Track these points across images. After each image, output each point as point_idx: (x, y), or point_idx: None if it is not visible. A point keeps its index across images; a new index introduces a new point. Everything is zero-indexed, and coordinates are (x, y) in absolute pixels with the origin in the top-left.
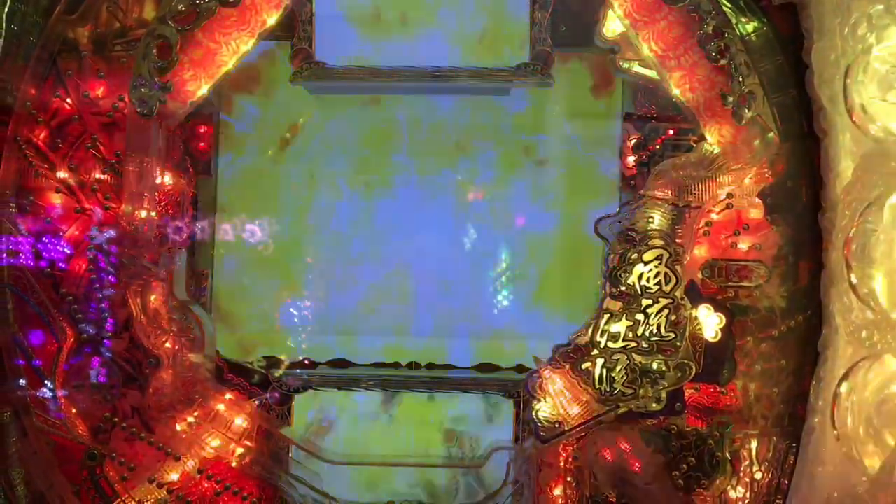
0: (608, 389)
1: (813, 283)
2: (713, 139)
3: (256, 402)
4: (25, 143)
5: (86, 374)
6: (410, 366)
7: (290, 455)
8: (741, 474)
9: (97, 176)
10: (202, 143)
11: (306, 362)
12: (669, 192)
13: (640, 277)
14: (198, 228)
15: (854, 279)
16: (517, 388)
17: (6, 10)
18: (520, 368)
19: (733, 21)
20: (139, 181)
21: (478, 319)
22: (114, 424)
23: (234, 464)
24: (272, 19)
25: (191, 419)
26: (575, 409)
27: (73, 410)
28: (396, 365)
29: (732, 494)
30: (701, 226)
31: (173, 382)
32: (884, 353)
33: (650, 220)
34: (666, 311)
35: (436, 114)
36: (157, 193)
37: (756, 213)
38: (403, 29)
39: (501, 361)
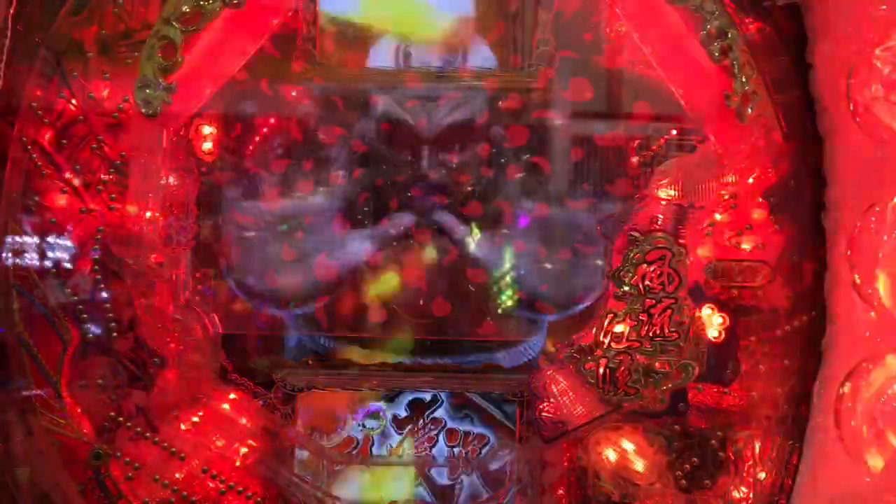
0: (611, 389)
1: (817, 284)
2: (716, 140)
3: (261, 402)
4: (31, 143)
5: (91, 374)
6: (414, 367)
7: (295, 454)
8: (745, 474)
9: (102, 176)
10: (207, 144)
11: (310, 362)
12: (673, 192)
13: (643, 278)
14: (202, 229)
15: (857, 279)
16: (521, 388)
17: (12, 11)
18: (523, 368)
19: (736, 21)
20: (144, 182)
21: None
22: (119, 424)
23: (238, 463)
24: (276, 20)
25: (195, 419)
26: (578, 409)
27: (78, 410)
28: (400, 366)
29: (736, 494)
30: (704, 226)
31: (178, 382)
32: (887, 354)
33: (654, 220)
34: (669, 311)
35: None
36: (161, 194)
37: (760, 213)
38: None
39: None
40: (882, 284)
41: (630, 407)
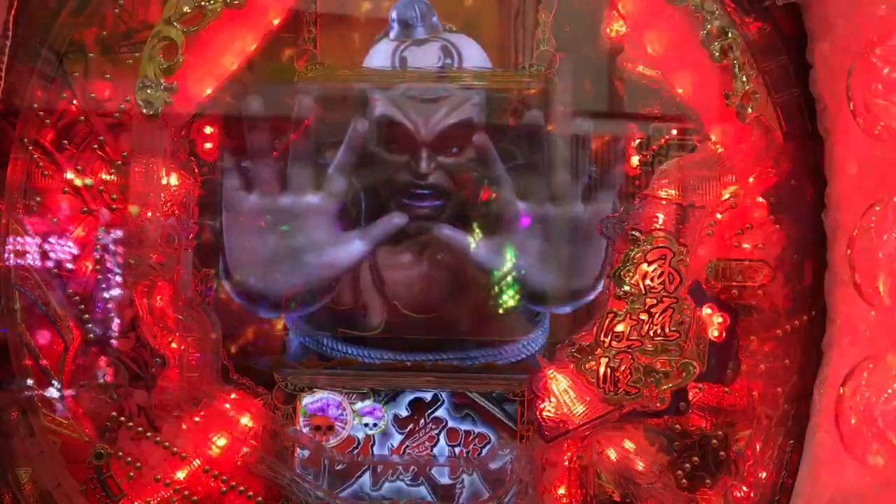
0: (612, 389)
1: (817, 283)
2: (717, 139)
3: (262, 402)
4: (32, 144)
5: (92, 374)
6: (415, 366)
7: (296, 454)
8: (745, 474)
9: (103, 177)
10: (208, 144)
11: (311, 361)
12: (673, 192)
13: (644, 277)
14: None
15: (858, 279)
16: (521, 387)
17: (13, 12)
18: (524, 368)
19: (736, 21)
20: (145, 182)
21: (483, 319)
22: (120, 424)
23: (239, 463)
24: (277, 20)
25: (197, 418)
26: (579, 409)
27: (80, 410)
28: (401, 366)
29: (737, 494)
30: (705, 226)
31: (179, 382)
32: (887, 353)
33: (654, 220)
34: (670, 310)
35: None
36: (163, 194)
37: (760, 212)
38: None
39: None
40: (882, 284)
41: (631, 406)
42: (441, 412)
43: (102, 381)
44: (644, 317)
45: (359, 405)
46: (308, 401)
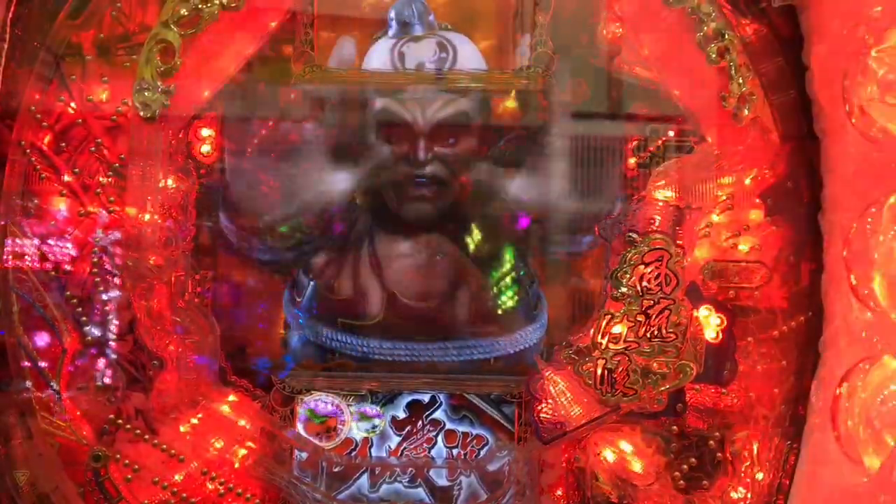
0: (609, 390)
1: (814, 284)
2: (713, 141)
3: (260, 404)
4: (30, 146)
5: (90, 376)
6: (412, 368)
7: (294, 456)
8: (742, 475)
9: (101, 179)
10: (205, 147)
11: (309, 363)
12: (670, 193)
13: (640, 279)
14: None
15: (854, 280)
16: (519, 389)
17: (10, 14)
18: (521, 370)
19: (733, 23)
20: (143, 184)
21: (481, 320)
22: (118, 426)
23: (237, 465)
24: (274, 23)
25: (194, 421)
26: (576, 410)
27: (78, 412)
28: (398, 367)
29: (734, 495)
30: (702, 227)
31: (177, 384)
32: (884, 354)
33: (651, 221)
34: (667, 312)
35: None
36: (160, 196)
37: (757, 214)
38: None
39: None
40: (878, 285)
41: (628, 408)
42: (439, 414)
43: (100, 383)
44: (641, 318)
45: (356, 407)
46: (309, 402)
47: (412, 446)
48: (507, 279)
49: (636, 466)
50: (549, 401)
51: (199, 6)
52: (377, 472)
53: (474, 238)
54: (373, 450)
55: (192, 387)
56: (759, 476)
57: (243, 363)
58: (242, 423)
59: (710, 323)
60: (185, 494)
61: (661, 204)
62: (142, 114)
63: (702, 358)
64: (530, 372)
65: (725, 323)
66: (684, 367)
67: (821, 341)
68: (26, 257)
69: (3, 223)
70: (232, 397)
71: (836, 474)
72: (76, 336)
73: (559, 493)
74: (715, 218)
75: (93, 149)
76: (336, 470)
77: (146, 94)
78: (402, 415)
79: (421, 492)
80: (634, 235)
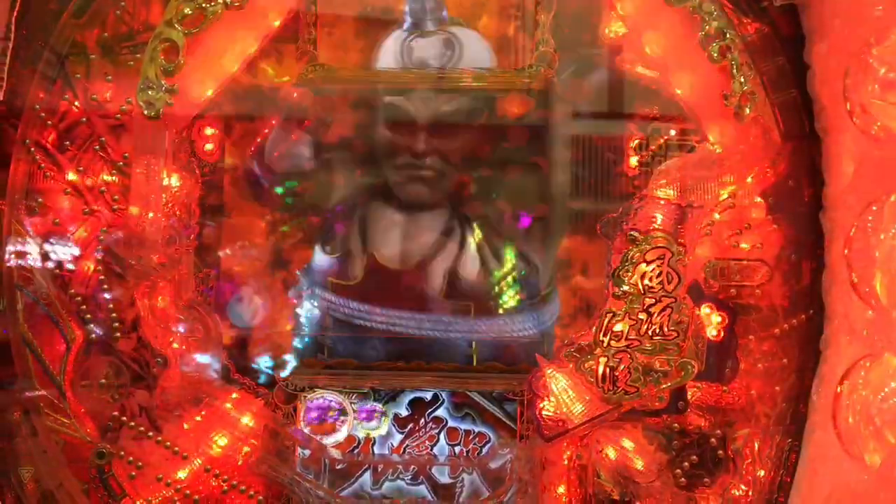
0: (611, 388)
1: (815, 283)
2: (715, 139)
3: (263, 401)
4: (34, 145)
5: (94, 374)
6: (415, 366)
7: (297, 453)
8: (744, 472)
9: (105, 178)
10: (209, 145)
11: (311, 361)
12: (672, 192)
13: (642, 277)
14: (204, 229)
15: (855, 278)
16: (521, 386)
17: (15, 14)
18: (524, 367)
19: (734, 22)
20: (146, 183)
21: (483, 319)
22: (122, 423)
23: (240, 462)
24: (277, 22)
25: (198, 418)
26: (578, 408)
27: (82, 410)
28: (401, 365)
29: (735, 492)
30: (703, 225)
31: (181, 382)
32: (884, 352)
33: (653, 220)
34: (669, 310)
35: None
36: (164, 195)
37: (758, 212)
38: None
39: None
40: (879, 283)
41: (630, 405)
42: (441, 411)
43: (104, 380)
44: (643, 316)
45: (359, 405)
46: (310, 402)
47: (414, 444)
48: (500, 271)
49: (638, 464)
50: (551, 398)
51: (203, 5)
52: (380, 469)
53: (471, 227)
54: (375, 447)
55: (196, 384)
56: (761, 473)
57: (246, 361)
58: (245, 420)
59: (712, 321)
60: (188, 491)
61: (662, 202)
62: (145, 112)
63: (703, 356)
64: (533, 370)
65: (727, 321)
66: (686, 364)
67: (822, 339)
68: (30, 255)
69: (7, 221)
70: (235, 395)
71: (836, 471)
72: (80, 334)
73: (561, 490)
74: (716, 216)
75: (97, 147)
76: (339, 467)
77: (150, 92)
78: (404, 412)
79: (423, 489)
80: (636, 234)
